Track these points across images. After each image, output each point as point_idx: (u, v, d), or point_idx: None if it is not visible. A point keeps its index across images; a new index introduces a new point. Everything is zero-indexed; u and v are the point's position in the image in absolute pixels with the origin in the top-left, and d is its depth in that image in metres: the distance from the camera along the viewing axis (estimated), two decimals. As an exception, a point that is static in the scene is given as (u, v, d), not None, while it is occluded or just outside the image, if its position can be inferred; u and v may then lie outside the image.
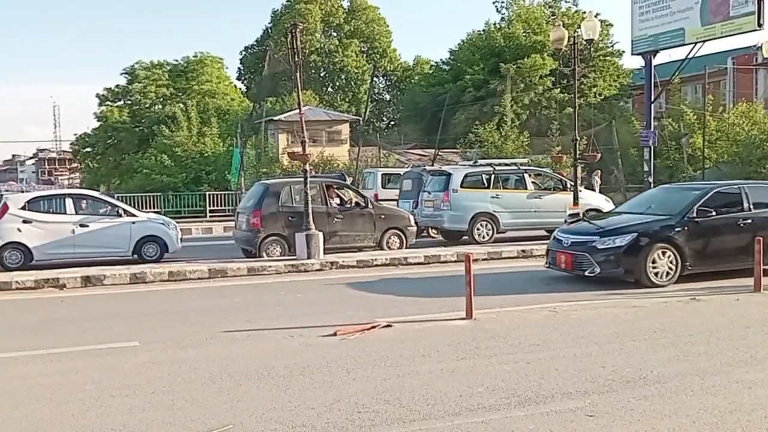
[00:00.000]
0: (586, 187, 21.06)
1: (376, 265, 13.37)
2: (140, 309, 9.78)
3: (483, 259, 13.77)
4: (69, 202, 14.27)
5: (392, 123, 58.09)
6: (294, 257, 13.59)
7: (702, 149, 31.79)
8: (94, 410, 5.13)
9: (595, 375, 5.70)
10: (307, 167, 13.86)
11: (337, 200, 15.38)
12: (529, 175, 17.56)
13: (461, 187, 16.63)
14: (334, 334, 7.35)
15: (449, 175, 17.08)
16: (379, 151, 37.01)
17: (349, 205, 15.35)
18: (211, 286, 11.79)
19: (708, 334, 7.10)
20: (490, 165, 17.72)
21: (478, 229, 16.43)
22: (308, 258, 13.26)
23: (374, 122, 55.15)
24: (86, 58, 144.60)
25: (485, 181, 16.95)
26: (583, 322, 7.80)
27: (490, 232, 16.56)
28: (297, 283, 11.71)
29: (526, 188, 17.17)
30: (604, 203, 17.86)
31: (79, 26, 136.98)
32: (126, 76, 46.71)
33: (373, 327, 7.62)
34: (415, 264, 13.65)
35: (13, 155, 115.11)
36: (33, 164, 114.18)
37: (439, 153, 34.28)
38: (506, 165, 18.22)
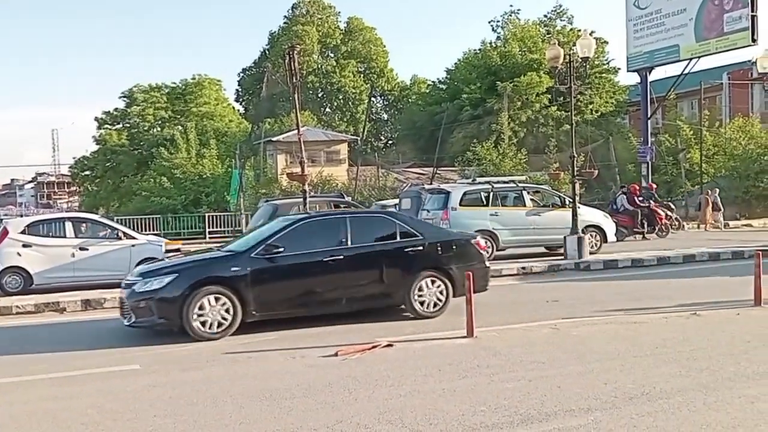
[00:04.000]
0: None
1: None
2: (140, 331, 9.75)
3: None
4: (69, 225, 14.23)
5: (390, 142, 58.32)
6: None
7: (699, 164, 31.98)
8: (96, 434, 5.12)
9: (597, 392, 5.70)
10: (306, 187, 13.93)
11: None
12: (528, 192, 17.54)
13: (460, 205, 16.60)
14: (336, 354, 7.34)
15: (448, 193, 17.06)
16: (378, 170, 37.15)
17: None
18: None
19: (709, 349, 7.09)
20: (488, 183, 17.69)
21: (477, 247, 16.34)
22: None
23: (372, 142, 55.42)
24: (85, 81, 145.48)
25: (484, 199, 16.92)
26: (584, 339, 7.80)
27: (490, 250, 16.50)
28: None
29: (524, 205, 17.12)
30: (603, 219, 17.84)
31: (77, 50, 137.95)
32: (124, 99, 46.97)
33: (374, 347, 7.60)
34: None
35: (12, 179, 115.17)
36: (32, 188, 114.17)
37: (438, 171, 34.40)
38: (504, 183, 18.20)
